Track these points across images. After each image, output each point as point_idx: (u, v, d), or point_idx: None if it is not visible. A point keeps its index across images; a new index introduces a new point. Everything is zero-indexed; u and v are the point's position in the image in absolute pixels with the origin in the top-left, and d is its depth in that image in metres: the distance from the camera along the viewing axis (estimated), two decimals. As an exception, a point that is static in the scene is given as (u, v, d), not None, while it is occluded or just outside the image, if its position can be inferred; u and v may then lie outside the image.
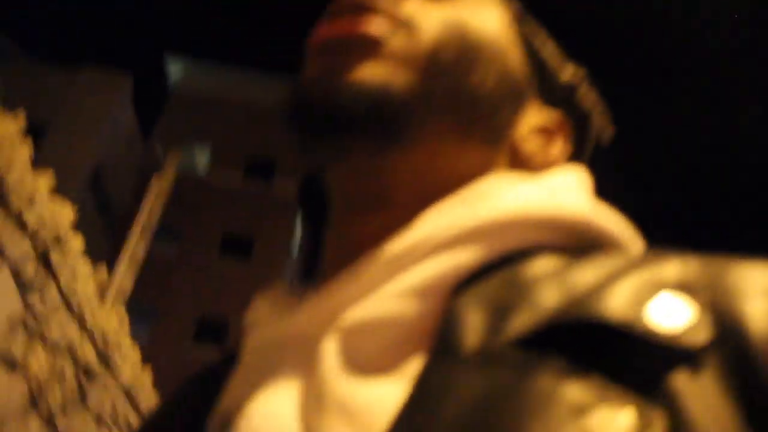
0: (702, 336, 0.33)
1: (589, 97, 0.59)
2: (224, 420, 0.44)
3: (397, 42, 0.48)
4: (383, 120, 0.46)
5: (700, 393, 0.31)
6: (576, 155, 0.56)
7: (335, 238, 0.50)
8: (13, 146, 3.27)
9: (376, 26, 0.48)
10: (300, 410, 0.39)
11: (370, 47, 0.48)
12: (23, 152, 3.36)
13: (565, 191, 0.49)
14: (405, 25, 0.49)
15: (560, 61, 0.58)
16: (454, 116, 0.49)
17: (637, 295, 0.35)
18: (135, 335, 5.34)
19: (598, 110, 0.59)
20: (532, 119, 0.54)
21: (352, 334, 0.41)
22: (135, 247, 8.75)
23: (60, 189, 3.90)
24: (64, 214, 3.79)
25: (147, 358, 5.53)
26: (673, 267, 0.37)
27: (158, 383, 5.75)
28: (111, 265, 8.32)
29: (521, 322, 0.36)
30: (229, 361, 0.50)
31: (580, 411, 0.31)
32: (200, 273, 18.79)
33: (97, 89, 14.28)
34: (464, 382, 0.34)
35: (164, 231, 16.80)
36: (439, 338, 0.38)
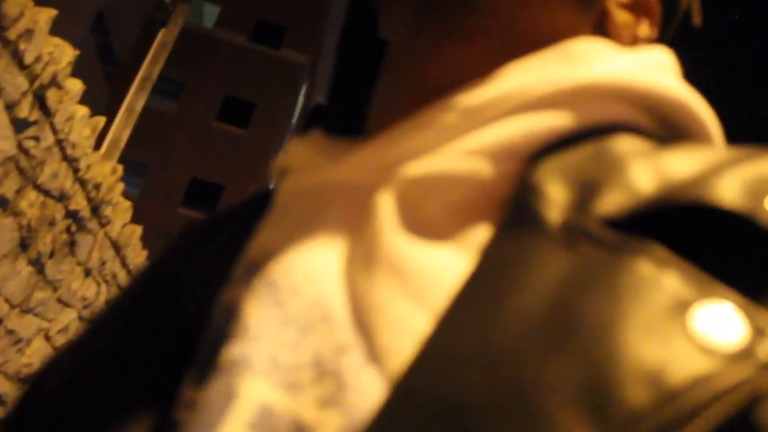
0: None
1: None
2: (254, 269, 0.39)
3: None
4: None
5: None
6: (660, 38, 0.52)
7: (390, 91, 0.45)
8: (14, -27, 3.05)
9: None
10: (346, 267, 0.36)
11: None
12: (25, -19, 3.14)
13: (661, 70, 0.44)
14: None
15: None
16: None
17: (753, 186, 0.31)
18: (126, 189, 5.29)
19: None
20: None
21: (414, 189, 0.37)
22: (134, 98, 8.63)
23: (61, 31, 3.72)
24: (63, 53, 3.61)
25: (136, 215, 5.50)
26: None
27: (145, 240, 5.76)
28: (109, 115, 8.20)
29: (614, 200, 0.32)
30: (255, 205, 0.46)
31: (683, 305, 0.27)
32: (197, 134, 18.73)
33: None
34: (545, 258, 0.30)
35: (165, 85, 16.55)
36: (514, 208, 0.34)
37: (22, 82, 3.33)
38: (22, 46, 3.23)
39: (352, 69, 0.52)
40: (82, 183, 4.35)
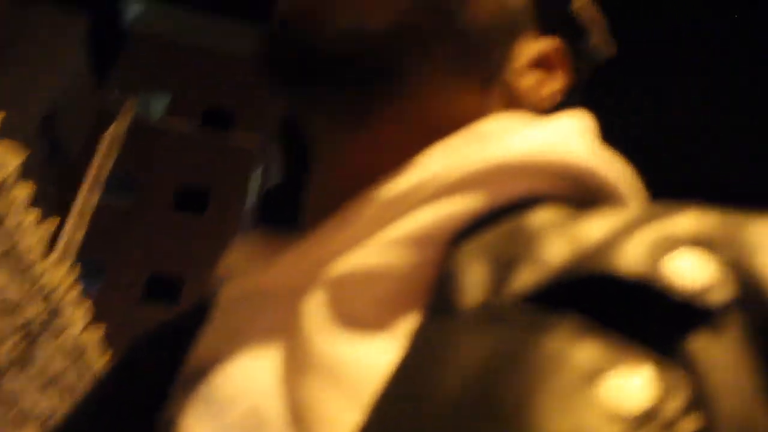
0: (723, 294, 0.30)
1: (589, 11, 0.55)
2: (196, 377, 0.40)
3: None
4: (366, 63, 0.43)
5: (720, 356, 0.29)
6: (576, 80, 0.54)
7: (319, 182, 0.47)
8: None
9: None
10: (281, 371, 0.37)
11: None
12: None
13: (572, 137, 0.45)
14: None
15: None
16: (446, 55, 0.46)
17: (653, 249, 0.33)
18: (84, 290, 5.18)
19: (599, 26, 0.56)
20: (529, 51, 0.51)
21: (340, 287, 0.38)
22: (86, 197, 8.56)
23: (8, 132, 3.67)
24: (10, 158, 3.55)
25: (96, 315, 5.38)
26: (690, 220, 0.35)
27: (107, 342, 5.62)
28: (61, 216, 8.08)
29: (528, 276, 0.33)
30: (197, 313, 0.47)
31: (593, 376, 0.29)
32: (153, 227, 18.63)
33: (50, 28, 13.90)
34: (466, 342, 0.32)
35: (117, 181, 16.50)
36: (436, 293, 0.35)
37: (-33, 191, 3.24)
38: (-35, 154, 3.15)
39: (294, 157, 0.54)
40: (38, 289, 4.24)
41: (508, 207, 0.40)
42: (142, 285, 18.10)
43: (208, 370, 0.40)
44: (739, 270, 0.32)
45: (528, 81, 0.50)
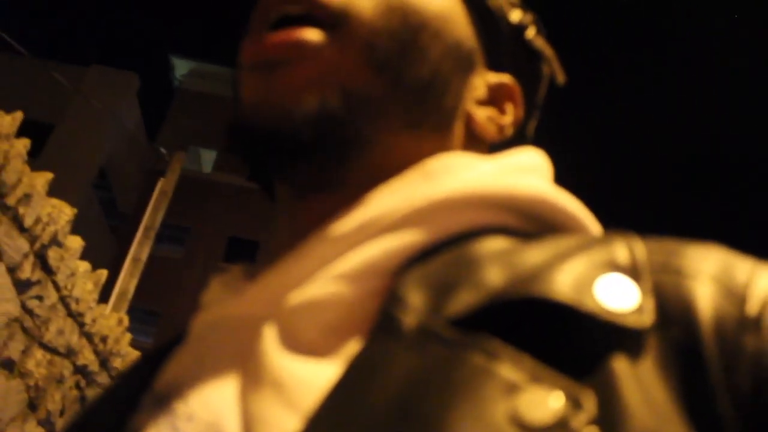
0: (645, 318, 0.33)
1: (537, 42, 0.56)
2: (161, 399, 0.42)
3: (333, 48, 0.46)
4: (328, 141, 0.45)
5: (637, 376, 0.31)
6: (528, 111, 0.56)
7: (284, 219, 0.49)
8: (9, 144, 3.19)
9: (309, 34, 0.46)
10: (239, 390, 0.39)
11: (308, 56, 0.46)
12: (20, 150, 3.28)
13: (520, 171, 0.47)
14: (338, 17, 0.46)
15: (506, 4, 0.55)
16: (401, 110, 0.47)
17: (584, 275, 0.35)
18: (138, 338, 5.28)
19: (549, 56, 0.58)
20: (481, 88, 0.52)
21: (293, 317, 0.40)
22: (138, 248, 8.72)
23: (66, 188, 3.84)
24: (62, 213, 3.71)
25: None
26: (623, 248, 0.37)
27: None
28: (116, 266, 8.29)
29: (462, 299, 0.36)
30: (176, 341, 0.49)
31: (512, 389, 0.30)
32: (204, 277, 18.76)
33: (104, 87, 14.31)
34: (397, 360, 0.34)
35: (169, 232, 16.76)
36: (379, 318, 0.37)
37: (22, 244, 3.41)
38: (21, 210, 3.34)
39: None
40: (89, 337, 4.36)
41: (455, 238, 0.42)
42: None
43: (175, 389, 0.42)
44: (666, 295, 0.34)
45: (485, 112, 0.51)
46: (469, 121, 0.51)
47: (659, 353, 0.32)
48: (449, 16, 0.50)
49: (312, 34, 0.46)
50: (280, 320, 0.40)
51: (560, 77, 0.59)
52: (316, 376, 0.36)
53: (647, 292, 0.34)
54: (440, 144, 0.49)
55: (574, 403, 0.29)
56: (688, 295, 0.34)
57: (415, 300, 0.37)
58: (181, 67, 22.37)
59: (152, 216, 9.05)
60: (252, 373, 0.39)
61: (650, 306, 0.33)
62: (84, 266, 4.14)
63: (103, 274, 4.51)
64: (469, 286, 0.36)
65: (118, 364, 4.80)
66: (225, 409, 0.38)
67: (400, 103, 0.47)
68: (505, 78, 0.53)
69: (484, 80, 0.52)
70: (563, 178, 0.52)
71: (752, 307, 0.33)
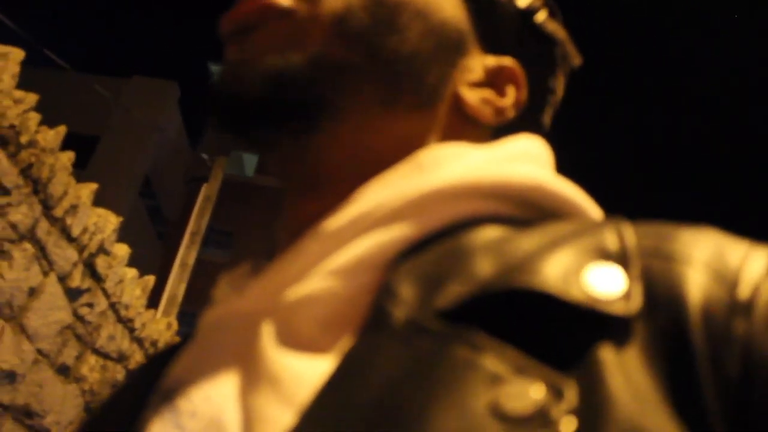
0: (632, 305, 0.32)
1: (549, 25, 0.54)
2: (165, 397, 0.43)
3: (302, 11, 0.46)
4: (289, 101, 0.45)
5: (622, 364, 0.31)
6: (537, 96, 0.54)
7: (284, 218, 0.50)
8: (55, 158, 3.31)
9: None
10: (239, 386, 0.39)
11: (278, 18, 0.46)
12: (65, 163, 3.39)
13: (514, 159, 0.47)
14: None
15: None
16: (374, 84, 0.46)
17: (571, 263, 0.34)
18: (185, 341, 5.37)
19: (561, 39, 0.55)
20: (477, 70, 0.50)
21: (289, 313, 0.40)
22: (185, 253, 8.86)
23: (113, 197, 3.94)
24: (108, 222, 3.83)
25: None
26: (612, 235, 0.36)
27: None
28: (164, 272, 8.45)
29: (451, 292, 0.35)
30: (184, 342, 0.50)
31: (495, 381, 0.30)
32: (252, 277, 18.89)
33: (145, 97, 14.55)
34: (386, 354, 0.34)
35: (215, 236, 16.99)
36: (372, 311, 0.37)
37: (71, 253, 3.53)
38: (68, 221, 3.45)
39: None
40: (139, 341, 4.47)
41: (448, 229, 0.41)
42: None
43: (179, 386, 0.42)
44: (651, 281, 0.33)
45: (477, 99, 0.50)
46: (460, 103, 0.49)
47: (646, 340, 0.32)
48: None
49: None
50: (277, 316, 0.41)
51: (575, 60, 0.57)
52: (311, 372, 0.37)
53: (635, 279, 0.33)
54: (421, 125, 0.48)
55: (556, 394, 0.29)
56: (678, 281, 0.33)
57: (406, 293, 0.37)
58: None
59: (197, 221, 9.18)
60: (251, 370, 0.39)
61: (638, 292, 0.33)
62: (131, 273, 4.25)
63: (151, 280, 4.62)
64: (458, 278, 0.36)
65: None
66: (226, 406, 0.39)
67: (372, 77, 0.46)
68: (505, 60, 0.51)
69: (481, 63, 0.51)
70: (567, 167, 0.52)
71: (743, 290, 0.32)
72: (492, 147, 0.47)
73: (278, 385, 0.37)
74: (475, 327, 0.33)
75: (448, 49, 0.49)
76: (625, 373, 0.30)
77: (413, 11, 0.47)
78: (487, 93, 0.50)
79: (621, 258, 0.35)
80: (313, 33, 0.45)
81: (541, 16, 0.54)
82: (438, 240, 0.41)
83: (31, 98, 3.05)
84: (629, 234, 0.36)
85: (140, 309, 4.42)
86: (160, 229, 16.52)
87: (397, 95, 0.47)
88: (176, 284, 8.61)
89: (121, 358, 4.24)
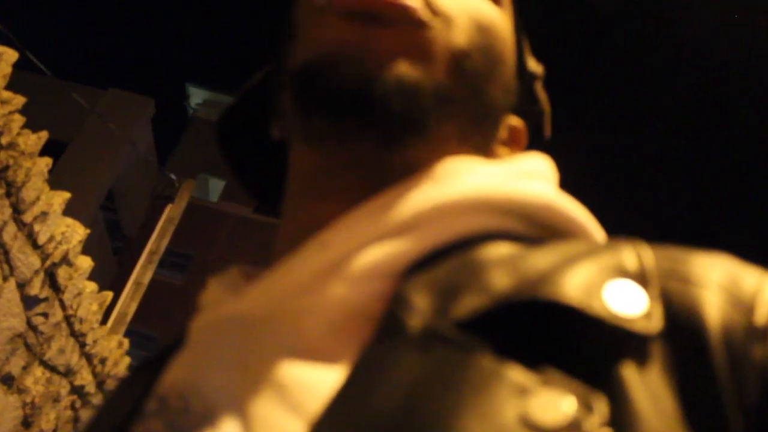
0: (654, 324, 0.32)
1: (542, 93, 0.58)
2: (161, 402, 0.42)
3: (436, 31, 0.45)
4: (407, 118, 0.44)
5: (646, 382, 0.31)
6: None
7: (291, 218, 0.49)
8: (33, 162, 3.26)
9: (420, 5, 0.45)
10: (237, 390, 0.38)
11: (416, 26, 0.45)
12: (42, 168, 3.34)
13: (526, 176, 0.47)
14: (441, 14, 0.46)
15: (528, 52, 0.57)
16: (463, 121, 0.47)
17: (593, 279, 0.35)
18: (133, 362, 5.29)
19: (546, 110, 0.59)
20: (504, 128, 0.53)
21: (295, 318, 0.40)
22: (141, 272, 8.74)
23: (74, 206, 3.89)
24: (75, 233, 3.76)
25: None
26: (631, 255, 0.37)
27: None
28: (116, 288, 8.31)
29: (468, 302, 0.35)
30: (177, 345, 0.48)
31: (522, 392, 0.30)
32: (203, 303, 18.64)
33: (120, 110, 14.43)
34: (403, 362, 0.33)
35: (172, 258, 16.77)
36: (385, 319, 0.37)
37: (35, 261, 3.45)
38: (36, 227, 3.39)
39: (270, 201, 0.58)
40: (89, 358, 4.37)
41: (460, 242, 0.41)
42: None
43: (176, 392, 0.41)
44: (674, 303, 0.34)
45: (502, 154, 0.52)
46: (493, 156, 0.51)
47: (667, 360, 0.32)
48: (511, 52, 0.52)
49: (423, 9, 0.45)
50: (283, 321, 0.40)
51: (548, 131, 0.61)
52: (319, 379, 0.36)
53: (655, 299, 0.34)
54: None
55: (586, 407, 0.29)
56: (696, 303, 0.34)
57: (421, 303, 0.36)
58: (197, 95, 22.57)
59: (157, 241, 9.08)
60: (253, 375, 0.38)
61: (658, 312, 0.33)
62: (91, 287, 4.17)
63: (108, 295, 4.54)
64: (475, 290, 0.36)
65: (114, 386, 4.79)
66: (226, 411, 0.38)
67: (467, 114, 0.47)
68: (517, 121, 0.55)
69: (507, 121, 0.54)
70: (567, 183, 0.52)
71: (760, 316, 0.33)
72: (504, 162, 0.48)
73: (284, 391, 0.36)
74: (496, 337, 0.33)
75: (509, 104, 0.52)
76: (650, 391, 0.31)
77: (504, 62, 0.50)
78: (506, 152, 0.53)
79: (641, 277, 0.35)
80: (440, 58, 0.45)
81: (539, 84, 0.57)
82: (451, 252, 0.41)
83: (19, 100, 3.01)
84: (648, 254, 0.37)
85: (94, 324, 4.32)
86: (117, 244, 16.26)
87: (474, 136, 0.49)
88: (127, 302, 8.46)
89: (68, 372, 4.13)
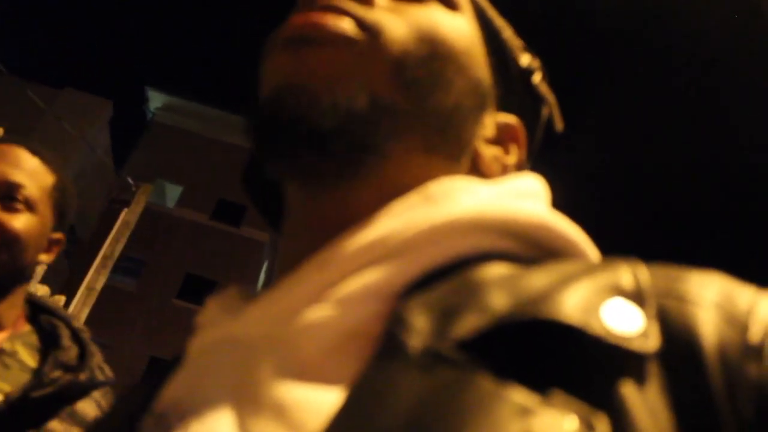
0: (651, 343, 0.33)
1: (542, 87, 0.58)
2: (159, 420, 0.42)
3: (365, 46, 0.47)
4: (353, 138, 0.45)
5: (646, 401, 0.31)
6: (528, 154, 0.57)
7: (289, 238, 0.50)
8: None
9: (347, 25, 0.47)
10: (235, 411, 0.38)
11: (342, 44, 0.46)
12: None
13: (520, 196, 0.48)
14: (371, 29, 0.47)
15: (517, 48, 0.57)
16: (420, 132, 0.48)
17: (590, 299, 0.35)
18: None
19: (551, 102, 0.59)
20: (491, 127, 0.53)
21: (293, 339, 0.40)
22: (94, 277, 8.56)
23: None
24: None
25: None
26: (628, 273, 0.37)
27: None
28: (68, 292, 8.11)
29: (468, 323, 0.35)
30: (174, 364, 0.49)
31: (524, 413, 0.30)
32: (156, 312, 18.48)
33: (76, 111, 14.21)
34: (404, 383, 0.33)
35: (126, 263, 16.52)
36: (383, 340, 0.37)
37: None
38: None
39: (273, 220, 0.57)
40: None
41: (456, 263, 0.42)
42: (142, 368, 17.82)
43: (174, 411, 0.41)
44: (670, 322, 0.34)
45: (491, 151, 0.52)
46: (476, 158, 0.51)
47: (664, 378, 0.32)
48: (474, 54, 0.52)
49: (351, 27, 0.47)
50: (280, 343, 0.40)
51: (559, 124, 0.61)
52: (318, 400, 0.36)
53: (652, 317, 0.34)
54: (448, 173, 0.49)
55: (588, 426, 0.30)
56: (692, 321, 0.34)
57: (420, 323, 0.37)
58: (156, 99, 22.36)
59: (111, 246, 8.91)
60: (251, 396, 0.38)
61: (655, 331, 0.34)
62: (43, 290, 4.05)
63: (61, 299, 4.42)
64: (474, 310, 0.36)
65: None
66: (221, 429, 0.38)
67: (422, 125, 0.48)
68: (511, 119, 0.54)
69: (493, 120, 0.53)
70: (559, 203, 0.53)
71: (754, 334, 0.33)
72: (499, 182, 0.49)
73: (283, 412, 0.36)
74: (497, 357, 0.33)
75: (479, 105, 0.52)
76: (650, 409, 0.31)
77: (458, 66, 0.49)
78: (496, 150, 0.53)
79: (637, 296, 0.35)
80: (373, 71, 0.46)
81: (537, 78, 0.57)
82: (447, 273, 0.41)
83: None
84: (643, 273, 0.37)
85: (45, 329, 4.19)
86: (69, 247, 15.93)
87: (439, 144, 0.48)
88: (79, 307, 8.28)
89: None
